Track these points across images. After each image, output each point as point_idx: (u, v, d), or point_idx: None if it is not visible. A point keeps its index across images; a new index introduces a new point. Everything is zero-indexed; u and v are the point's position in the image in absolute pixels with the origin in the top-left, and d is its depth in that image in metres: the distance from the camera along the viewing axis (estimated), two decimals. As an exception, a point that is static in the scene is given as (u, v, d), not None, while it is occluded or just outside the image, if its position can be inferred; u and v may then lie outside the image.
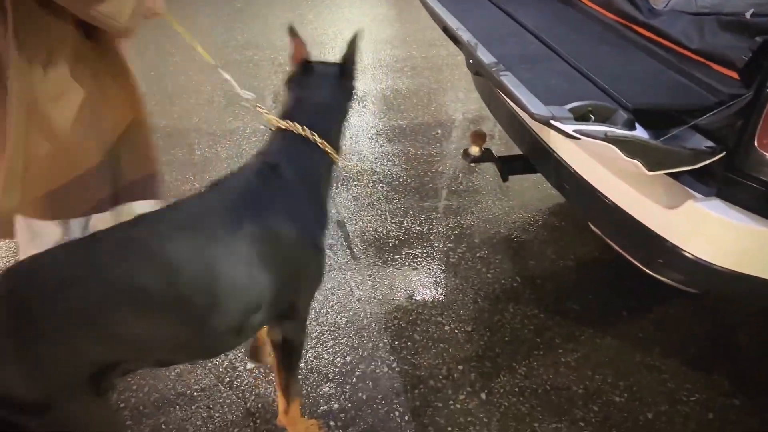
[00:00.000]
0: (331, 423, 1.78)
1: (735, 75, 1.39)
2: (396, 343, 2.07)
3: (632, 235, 1.58)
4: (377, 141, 3.41)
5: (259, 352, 1.84)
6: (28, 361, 1.02)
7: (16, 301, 1.05)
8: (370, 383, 1.91)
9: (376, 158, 3.23)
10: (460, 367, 1.99)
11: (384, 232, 2.64)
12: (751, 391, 1.94)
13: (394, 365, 1.98)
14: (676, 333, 2.17)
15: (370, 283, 2.34)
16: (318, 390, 1.88)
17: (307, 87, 1.50)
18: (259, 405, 1.83)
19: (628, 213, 1.54)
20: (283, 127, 1.42)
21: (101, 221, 1.44)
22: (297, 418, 1.65)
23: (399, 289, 2.32)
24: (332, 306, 2.22)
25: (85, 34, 1.32)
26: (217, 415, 1.79)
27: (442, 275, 2.41)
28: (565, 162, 1.80)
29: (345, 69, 1.51)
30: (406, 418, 1.81)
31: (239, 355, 1.99)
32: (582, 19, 2.04)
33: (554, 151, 1.85)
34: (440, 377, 1.95)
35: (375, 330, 2.12)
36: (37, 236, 1.41)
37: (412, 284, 2.35)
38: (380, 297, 2.27)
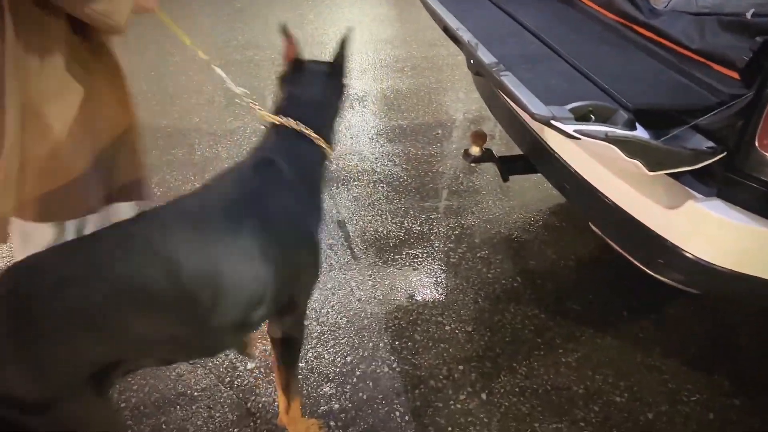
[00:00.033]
0: (332, 423, 1.78)
1: (736, 75, 1.38)
2: (396, 343, 2.07)
3: (633, 235, 1.58)
4: (378, 141, 3.41)
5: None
6: (28, 360, 1.01)
7: (16, 300, 1.05)
8: (371, 383, 1.92)
9: (376, 158, 3.23)
10: (461, 367, 1.99)
11: (384, 232, 2.64)
12: (751, 391, 1.94)
13: (394, 365, 1.98)
14: (677, 333, 2.17)
15: (370, 283, 2.34)
16: (318, 390, 1.88)
17: (299, 84, 1.53)
18: (260, 405, 1.83)
19: (629, 213, 1.54)
20: (277, 123, 1.45)
21: (90, 221, 1.43)
22: (298, 418, 1.65)
23: (399, 289, 2.32)
24: (333, 306, 2.22)
25: (77, 32, 1.30)
26: (217, 415, 1.79)
27: (443, 275, 2.41)
28: (565, 162, 1.80)
29: (336, 67, 1.55)
30: (407, 418, 1.81)
31: (239, 355, 1.99)
32: (582, 19, 2.04)
33: (555, 152, 1.85)
34: (441, 377, 1.95)
35: (375, 330, 2.12)
36: (29, 239, 1.38)
37: (413, 284, 2.35)
38: (381, 297, 2.27)
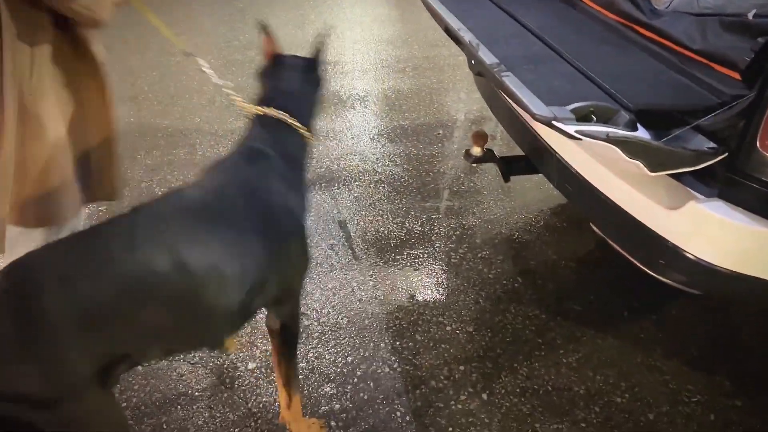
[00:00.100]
0: (333, 423, 1.78)
1: (737, 76, 1.38)
2: (397, 343, 2.07)
3: (634, 235, 1.58)
4: (379, 141, 3.42)
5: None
6: (34, 357, 1.02)
7: (20, 296, 1.05)
8: (372, 383, 1.92)
9: (377, 158, 3.23)
10: (462, 367, 1.99)
11: (385, 232, 2.64)
12: (752, 391, 1.94)
13: (395, 365, 1.98)
14: (678, 334, 2.17)
15: (371, 283, 2.34)
16: (319, 390, 1.88)
17: (279, 77, 1.60)
18: (261, 405, 1.83)
19: (630, 214, 1.54)
20: (260, 113, 1.51)
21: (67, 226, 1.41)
22: (299, 415, 1.65)
23: (400, 289, 2.32)
24: (334, 306, 2.22)
25: (59, 30, 1.29)
26: (218, 414, 1.80)
27: (444, 276, 2.41)
28: (566, 163, 1.80)
29: (312, 61, 1.62)
30: (408, 418, 1.81)
31: (241, 355, 1.99)
32: (584, 19, 2.04)
33: (556, 152, 1.85)
34: (441, 377, 1.95)
35: (376, 330, 2.12)
36: (16, 244, 1.31)
37: (414, 284, 2.35)
38: (382, 297, 2.28)
